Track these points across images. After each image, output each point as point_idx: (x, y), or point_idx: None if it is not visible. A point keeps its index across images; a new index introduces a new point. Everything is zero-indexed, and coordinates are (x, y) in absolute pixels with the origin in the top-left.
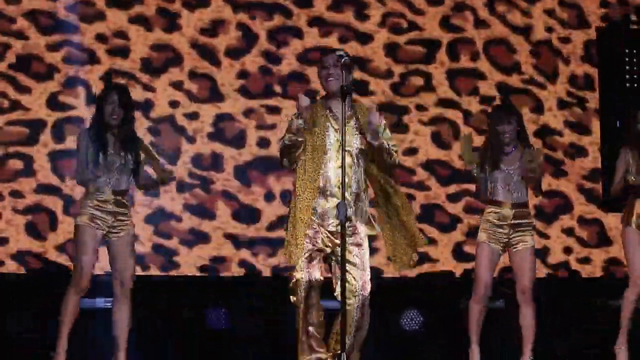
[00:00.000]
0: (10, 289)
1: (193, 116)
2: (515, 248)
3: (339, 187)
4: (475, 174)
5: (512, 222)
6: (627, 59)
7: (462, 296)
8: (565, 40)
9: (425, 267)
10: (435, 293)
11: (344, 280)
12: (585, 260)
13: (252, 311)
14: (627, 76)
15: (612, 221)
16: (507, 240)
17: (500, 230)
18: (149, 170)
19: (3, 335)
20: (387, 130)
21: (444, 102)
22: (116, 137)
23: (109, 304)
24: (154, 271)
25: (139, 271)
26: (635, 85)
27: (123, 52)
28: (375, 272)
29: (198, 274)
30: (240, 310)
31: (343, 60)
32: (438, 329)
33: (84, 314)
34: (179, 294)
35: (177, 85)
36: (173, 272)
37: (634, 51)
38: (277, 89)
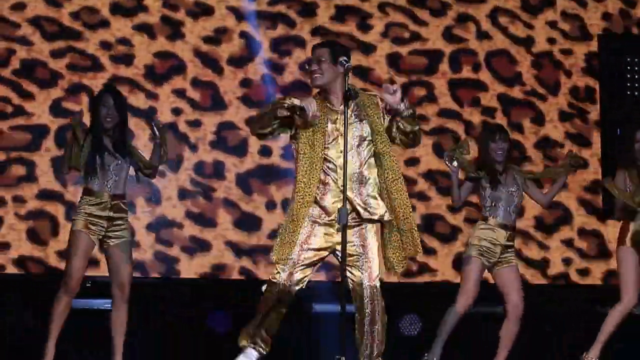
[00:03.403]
0: (11, 290)
1: (195, 124)
2: (502, 267)
3: (336, 180)
4: (469, 174)
5: (505, 243)
6: (628, 67)
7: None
8: (567, 52)
9: (425, 278)
10: (435, 299)
11: (342, 285)
12: (585, 272)
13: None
14: (628, 84)
15: (612, 233)
16: (495, 260)
17: (493, 250)
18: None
19: (3, 335)
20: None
21: (445, 113)
22: (110, 140)
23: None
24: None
25: (138, 275)
26: (637, 93)
27: (127, 60)
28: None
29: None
30: (242, 313)
31: (346, 65)
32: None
33: (83, 314)
34: (179, 297)
35: (180, 93)
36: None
37: (635, 59)
38: None
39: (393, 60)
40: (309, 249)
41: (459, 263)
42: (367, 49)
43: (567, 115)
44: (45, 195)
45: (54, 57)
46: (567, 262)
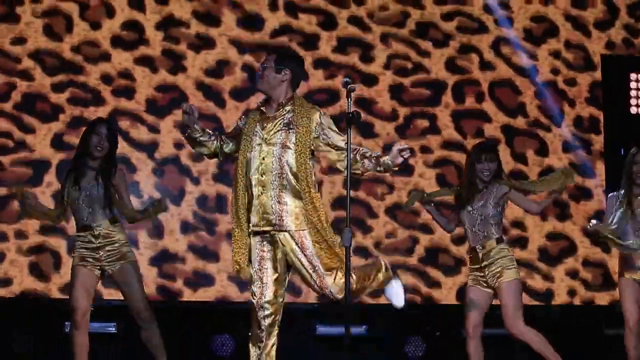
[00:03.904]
0: (15, 311)
1: (198, 157)
2: (497, 284)
3: (263, 186)
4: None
5: (484, 263)
6: (631, 85)
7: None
8: (571, 82)
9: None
10: (439, 322)
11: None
12: (590, 303)
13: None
14: (631, 102)
15: (617, 264)
16: (485, 280)
17: (478, 273)
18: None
19: (10, 355)
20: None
21: (448, 144)
22: (94, 170)
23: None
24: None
25: None
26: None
27: (128, 93)
28: None
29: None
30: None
31: (349, 87)
32: (441, 356)
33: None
34: (183, 321)
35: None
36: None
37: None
38: None
39: (396, 91)
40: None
41: (463, 295)
42: (370, 80)
43: (571, 146)
44: (47, 229)
45: (54, 91)
46: (571, 293)
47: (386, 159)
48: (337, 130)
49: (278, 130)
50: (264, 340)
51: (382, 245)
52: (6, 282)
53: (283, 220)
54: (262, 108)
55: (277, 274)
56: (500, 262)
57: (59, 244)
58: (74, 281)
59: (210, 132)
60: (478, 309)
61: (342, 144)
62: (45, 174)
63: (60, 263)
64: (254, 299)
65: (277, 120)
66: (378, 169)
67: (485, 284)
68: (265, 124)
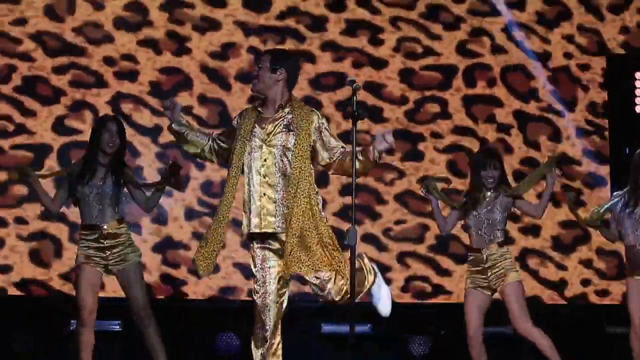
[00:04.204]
0: (15, 310)
1: None
2: (501, 285)
3: (265, 188)
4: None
5: (487, 265)
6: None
7: None
8: (584, 67)
9: (440, 299)
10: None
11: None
12: (604, 293)
13: None
14: (636, 100)
15: None
16: (487, 283)
17: (479, 275)
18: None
19: (10, 355)
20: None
21: (459, 130)
22: (105, 167)
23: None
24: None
25: None
26: None
27: (131, 76)
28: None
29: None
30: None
31: (354, 86)
32: (446, 355)
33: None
34: (188, 319)
35: (187, 110)
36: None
37: None
38: None
39: (405, 75)
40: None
41: None
42: (379, 64)
43: (584, 131)
44: (48, 216)
45: (56, 74)
46: (585, 282)
47: (370, 148)
48: (333, 134)
49: (279, 132)
50: (269, 340)
51: (392, 233)
52: (5, 268)
53: (284, 221)
54: (259, 109)
55: (279, 273)
56: (503, 264)
57: (60, 230)
58: (80, 279)
59: (202, 131)
60: (478, 313)
61: (334, 144)
62: (46, 159)
63: (62, 250)
64: (257, 298)
65: (277, 122)
66: (360, 158)
67: (485, 287)
68: (264, 125)
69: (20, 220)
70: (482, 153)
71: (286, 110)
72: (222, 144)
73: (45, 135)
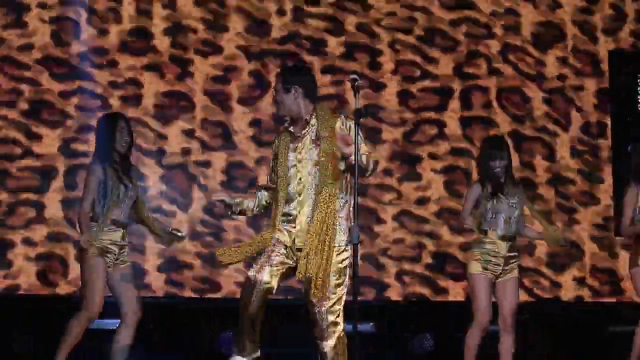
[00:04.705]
0: (15, 310)
1: (205, 164)
2: (502, 278)
3: (300, 206)
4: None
5: (507, 254)
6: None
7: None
8: (579, 88)
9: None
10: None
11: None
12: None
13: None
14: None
15: (624, 269)
16: (499, 272)
17: (495, 262)
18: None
19: (10, 355)
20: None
21: (456, 151)
22: (118, 166)
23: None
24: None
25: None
26: None
27: (135, 99)
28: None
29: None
30: None
31: (356, 83)
32: (449, 352)
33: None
34: (188, 319)
35: (189, 133)
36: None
37: None
38: None
39: (403, 97)
40: (278, 254)
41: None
42: (378, 86)
43: (579, 151)
44: (55, 236)
45: (62, 98)
46: (579, 300)
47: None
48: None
49: (308, 149)
50: (257, 340)
51: (390, 252)
52: (14, 288)
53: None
54: (289, 129)
55: (282, 269)
56: (515, 259)
57: (67, 250)
58: (98, 273)
59: (247, 199)
60: (490, 298)
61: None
62: (52, 181)
63: (68, 270)
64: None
65: (305, 139)
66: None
67: (493, 273)
68: (296, 145)
69: (27, 242)
70: (488, 143)
71: (312, 123)
72: (268, 191)
73: (52, 158)
